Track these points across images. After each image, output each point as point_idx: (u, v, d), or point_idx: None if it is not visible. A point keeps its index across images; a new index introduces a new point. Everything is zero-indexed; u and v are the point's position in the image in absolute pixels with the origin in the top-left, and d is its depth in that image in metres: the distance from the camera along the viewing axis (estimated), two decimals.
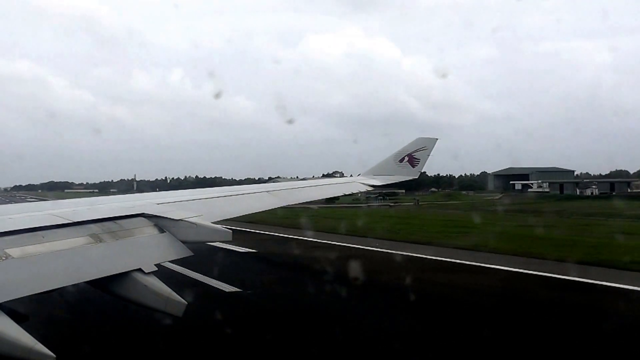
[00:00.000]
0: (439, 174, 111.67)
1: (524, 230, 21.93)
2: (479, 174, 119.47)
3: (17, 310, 3.19)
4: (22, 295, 3.24)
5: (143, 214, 4.58)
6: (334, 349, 6.41)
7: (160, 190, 11.04)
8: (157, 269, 3.96)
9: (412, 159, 13.40)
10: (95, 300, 6.77)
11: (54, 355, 2.84)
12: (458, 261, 13.38)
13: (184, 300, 3.84)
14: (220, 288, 10.01)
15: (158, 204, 5.10)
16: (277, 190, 7.75)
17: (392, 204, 55.83)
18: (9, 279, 3.24)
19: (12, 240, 3.50)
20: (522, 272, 11.67)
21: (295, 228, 23.02)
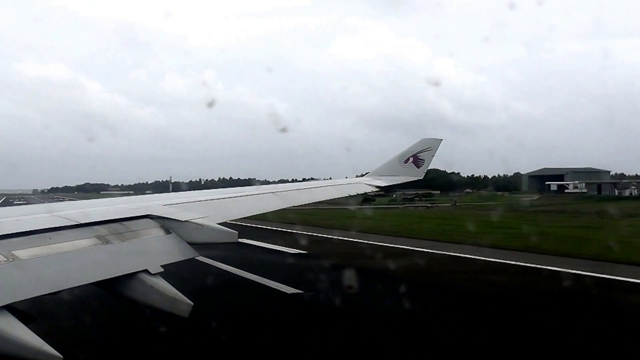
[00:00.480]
0: (473, 175, 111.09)
1: (576, 232, 21.25)
2: (512, 174, 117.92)
3: (25, 311, 3.20)
4: (29, 297, 3.25)
5: (149, 215, 4.59)
6: (418, 352, 6.29)
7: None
8: (163, 270, 3.96)
9: (416, 160, 13.40)
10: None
11: (62, 356, 2.84)
12: (522, 264, 12.85)
13: (190, 301, 3.85)
14: (281, 290, 9.85)
15: (164, 205, 5.11)
16: (282, 192, 7.75)
17: (430, 205, 55.33)
18: (17, 280, 3.25)
19: (19, 242, 3.52)
20: (594, 276, 10.99)
21: (339, 229, 22.84)
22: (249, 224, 29.31)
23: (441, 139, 13.87)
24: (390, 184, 13.17)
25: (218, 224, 4.88)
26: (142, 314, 4.97)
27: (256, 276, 11.02)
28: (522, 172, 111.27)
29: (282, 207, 7.40)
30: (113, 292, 3.86)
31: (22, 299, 3.15)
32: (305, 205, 8.75)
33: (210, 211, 5.33)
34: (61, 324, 7.26)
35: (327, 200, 9.97)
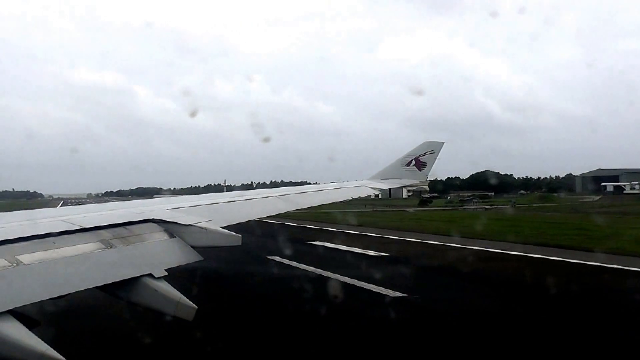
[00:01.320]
0: (527, 176, 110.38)
1: None
2: (564, 175, 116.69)
3: (29, 316, 3.19)
4: (33, 301, 3.23)
5: (153, 219, 4.58)
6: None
7: None
8: (167, 273, 3.95)
9: (419, 163, 13.41)
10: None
11: None
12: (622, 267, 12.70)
13: (194, 305, 3.83)
14: (384, 293, 9.85)
15: (168, 209, 5.11)
16: (286, 195, 7.75)
17: (488, 207, 54.98)
18: (20, 285, 3.24)
19: (22, 246, 3.50)
20: None
21: (406, 231, 22.67)
22: (304, 225, 29.42)
23: (443, 142, 13.89)
24: (393, 186, 13.17)
25: (222, 227, 4.86)
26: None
27: (350, 279, 11.05)
28: (574, 174, 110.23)
29: (287, 210, 7.40)
30: (117, 295, 3.84)
31: (26, 303, 3.13)
32: (310, 208, 8.74)
33: (214, 215, 5.32)
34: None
35: (330, 203, 9.95)
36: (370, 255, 15.56)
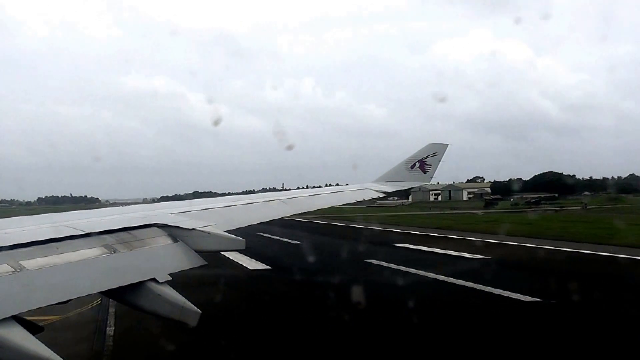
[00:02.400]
0: (590, 177, 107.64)
1: None
2: (627, 176, 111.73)
3: (32, 321, 3.18)
4: (37, 307, 3.23)
5: (156, 223, 4.57)
6: None
7: None
8: (170, 278, 3.93)
9: (423, 165, 13.35)
10: None
11: None
12: None
13: (198, 310, 3.81)
14: (518, 298, 9.77)
15: (171, 213, 5.10)
16: (289, 199, 7.73)
17: (558, 209, 54.05)
18: (24, 290, 3.23)
19: (26, 252, 3.50)
20: None
21: (489, 233, 22.41)
22: (380, 228, 29.30)
23: (447, 144, 13.83)
24: (397, 189, 13.12)
25: (225, 231, 4.85)
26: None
27: (474, 284, 10.96)
28: (637, 174, 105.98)
29: (290, 214, 7.39)
30: (121, 300, 3.83)
31: (30, 309, 3.12)
32: (313, 211, 8.73)
33: (218, 219, 5.31)
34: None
35: (334, 206, 9.92)
36: (471, 258, 15.49)
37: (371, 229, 28.70)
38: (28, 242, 3.63)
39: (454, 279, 11.42)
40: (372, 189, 11.31)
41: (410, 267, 13.78)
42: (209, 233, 4.57)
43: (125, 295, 3.75)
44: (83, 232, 3.99)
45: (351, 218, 38.06)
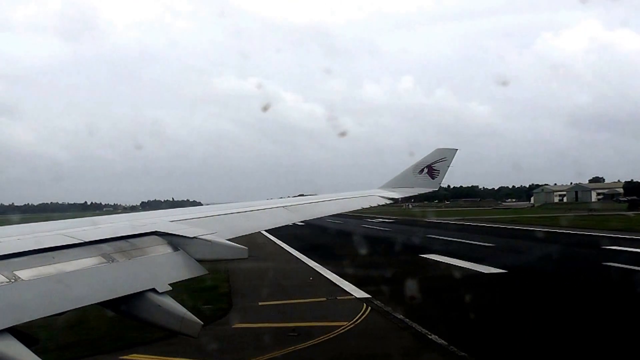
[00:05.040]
0: None
1: None
2: None
3: (28, 333, 3.10)
4: (32, 319, 3.14)
5: (156, 232, 4.48)
6: None
7: None
8: (171, 288, 3.84)
9: (431, 171, 13.18)
10: None
11: None
12: None
13: (199, 321, 3.73)
14: None
15: (171, 221, 5.01)
16: (293, 205, 7.63)
17: None
18: (19, 302, 3.15)
19: (21, 261, 3.42)
20: None
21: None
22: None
23: (456, 149, 13.66)
24: (405, 195, 12.96)
25: (227, 239, 4.76)
26: None
27: None
28: None
29: (295, 221, 7.29)
30: (119, 312, 3.74)
31: (25, 321, 3.04)
32: (318, 218, 8.61)
33: (220, 227, 5.22)
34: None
35: (342, 213, 9.80)
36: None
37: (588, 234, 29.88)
38: (24, 252, 3.56)
39: None
40: (379, 195, 11.18)
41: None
42: (210, 241, 4.49)
43: (124, 306, 3.66)
44: (81, 241, 3.91)
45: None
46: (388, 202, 11.66)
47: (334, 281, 16.49)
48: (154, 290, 3.73)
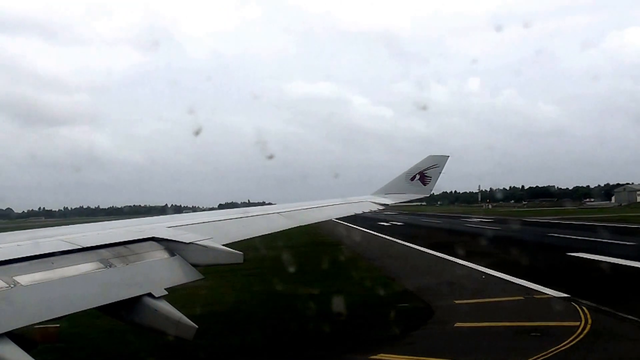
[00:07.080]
0: None
1: None
2: None
3: (27, 338, 3.14)
4: (31, 323, 3.19)
5: (153, 237, 4.54)
6: None
7: None
8: (167, 293, 3.90)
9: (423, 177, 13.30)
10: None
11: None
12: None
13: (194, 324, 3.78)
14: None
15: (168, 227, 5.06)
16: (288, 211, 7.69)
17: None
18: (18, 306, 3.19)
19: (20, 267, 3.46)
20: None
21: None
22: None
23: (448, 156, 13.80)
24: (397, 202, 13.06)
25: (223, 245, 4.82)
26: None
27: None
28: None
29: (289, 227, 7.33)
30: (117, 316, 3.79)
31: (24, 325, 3.09)
32: (312, 224, 8.66)
33: (216, 233, 5.27)
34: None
35: (334, 219, 9.83)
36: None
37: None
38: (23, 257, 3.60)
39: None
40: (371, 202, 11.29)
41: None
42: (206, 247, 4.55)
43: (121, 311, 3.71)
44: (79, 247, 3.96)
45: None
46: (380, 207, 11.75)
47: (507, 279, 15.30)
48: (150, 294, 3.79)
